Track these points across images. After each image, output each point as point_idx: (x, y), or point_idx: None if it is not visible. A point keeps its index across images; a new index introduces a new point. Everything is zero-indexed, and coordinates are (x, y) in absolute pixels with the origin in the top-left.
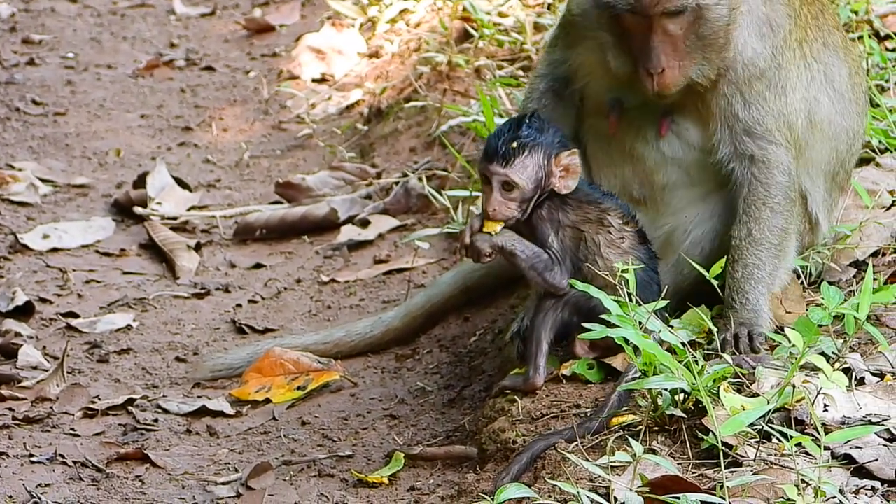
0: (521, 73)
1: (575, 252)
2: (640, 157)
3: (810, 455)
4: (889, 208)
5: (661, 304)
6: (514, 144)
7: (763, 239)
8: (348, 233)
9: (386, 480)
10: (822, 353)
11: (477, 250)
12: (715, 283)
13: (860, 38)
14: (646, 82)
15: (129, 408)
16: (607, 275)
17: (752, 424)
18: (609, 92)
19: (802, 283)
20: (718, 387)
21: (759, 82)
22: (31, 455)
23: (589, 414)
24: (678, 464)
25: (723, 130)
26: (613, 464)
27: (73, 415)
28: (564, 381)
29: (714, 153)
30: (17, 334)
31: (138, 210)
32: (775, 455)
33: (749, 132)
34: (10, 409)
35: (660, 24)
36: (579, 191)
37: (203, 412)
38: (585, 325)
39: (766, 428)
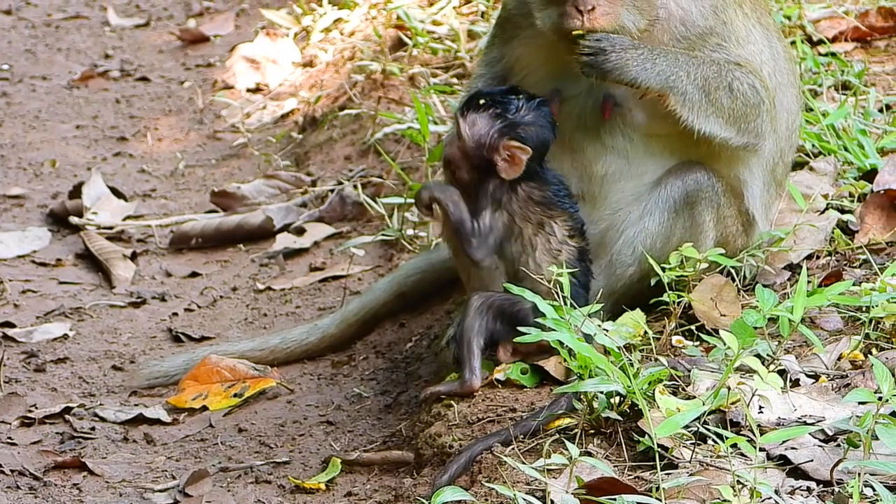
0: (455, 80)
1: (507, 239)
2: (580, 147)
3: (746, 456)
4: (823, 212)
5: (596, 307)
6: (482, 101)
7: None
8: (284, 241)
9: (323, 486)
10: (758, 356)
11: (419, 198)
12: (665, 277)
13: (793, 43)
14: (574, 21)
15: (66, 416)
16: (542, 278)
17: (687, 426)
18: (548, 82)
19: (737, 285)
20: (654, 389)
21: (711, 36)
22: None
23: (525, 417)
24: (614, 466)
25: None
26: (550, 466)
27: (10, 424)
28: (500, 386)
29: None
30: None
31: (74, 220)
32: (711, 456)
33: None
34: None
35: None
36: (538, 188)
37: (140, 420)
38: (519, 328)
39: (701, 430)
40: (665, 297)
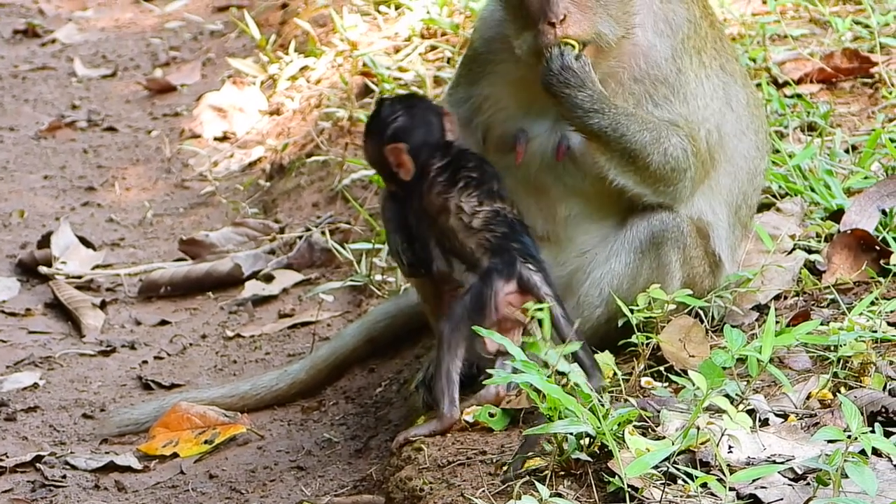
0: None
1: (438, 240)
2: (544, 187)
3: (716, 496)
4: (790, 252)
5: (576, 345)
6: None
7: None
8: (252, 288)
9: None
10: (727, 395)
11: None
12: (633, 319)
13: (759, 85)
14: (548, 36)
15: (38, 465)
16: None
17: (657, 466)
18: (515, 121)
19: (705, 326)
20: (624, 430)
21: (662, 86)
22: None
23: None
24: None
25: None
26: None
27: None
28: (469, 429)
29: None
30: None
31: (43, 270)
32: (681, 496)
33: None
34: None
35: None
36: (437, 177)
37: (111, 468)
38: (488, 370)
39: (671, 469)
40: (633, 339)
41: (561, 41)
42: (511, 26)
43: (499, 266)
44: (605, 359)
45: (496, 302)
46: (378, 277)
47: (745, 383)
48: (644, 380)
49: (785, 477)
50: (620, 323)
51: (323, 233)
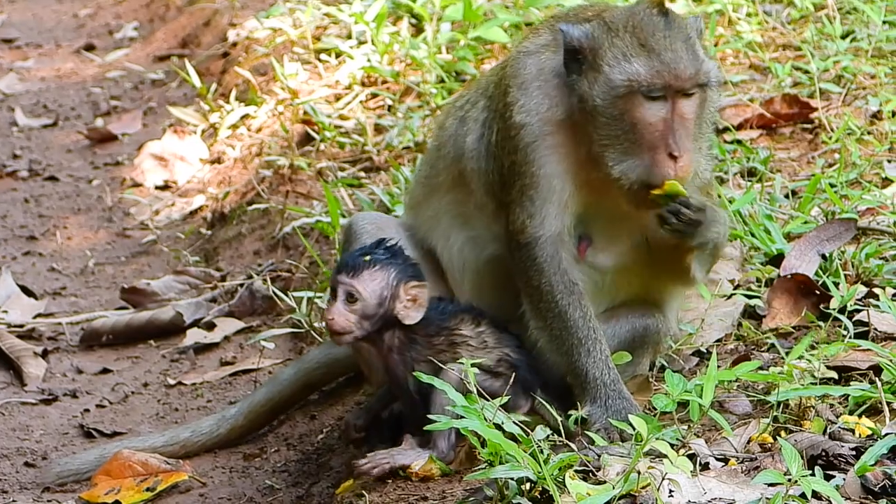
0: (362, 174)
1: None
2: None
3: None
4: (730, 297)
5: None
6: (367, 258)
7: None
8: (194, 336)
9: None
10: (667, 440)
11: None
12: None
13: None
14: (667, 169)
15: None
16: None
17: None
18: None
19: (647, 373)
20: (564, 475)
21: (709, 187)
22: None
23: None
24: None
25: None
26: None
27: None
28: (409, 477)
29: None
30: None
31: None
32: None
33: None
34: None
35: (679, 104)
36: (427, 324)
37: None
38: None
39: None
40: None
41: (667, 189)
42: (606, 146)
43: None
44: (549, 407)
45: None
46: (320, 324)
47: (685, 427)
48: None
49: None
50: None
51: (264, 280)
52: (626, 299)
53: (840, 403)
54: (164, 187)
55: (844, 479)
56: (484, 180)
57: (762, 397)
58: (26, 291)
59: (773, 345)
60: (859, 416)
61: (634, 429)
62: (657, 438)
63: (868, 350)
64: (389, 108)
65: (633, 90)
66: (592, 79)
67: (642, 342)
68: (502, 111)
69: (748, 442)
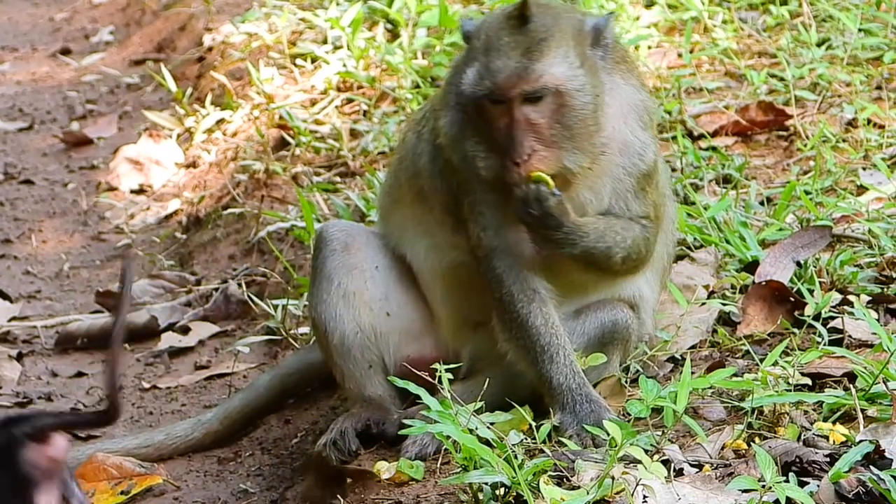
0: (338, 178)
1: None
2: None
3: None
4: (704, 304)
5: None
6: None
7: None
8: (169, 340)
9: None
10: (641, 446)
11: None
12: None
13: (674, 137)
14: (513, 175)
15: None
16: None
17: None
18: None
19: (620, 378)
20: (539, 480)
21: (645, 179)
22: None
23: None
24: None
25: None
26: None
27: None
28: (386, 480)
29: None
30: None
31: None
32: None
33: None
34: None
35: (521, 110)
36: None
37: None
38: (404, 421)
39: None
40: None
41: (533, 177)
42: (474, 144)
43: None
44: (521, 410)
45: None
46: (295, 331)
47: (660, 433)
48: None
49: None
50: None
51: (239, 285)
52: (597, 299)
53: (814, 410)
54: (140, 191)
55: (818, 486)
56: (440, 199)
57: (736, 404)
58: (1, 294)
59: (747, 351)
60: (833, 422)
61: (608, 434)
62: (631, 444)
63: (842, 357)
64: (365, 113)
65: (469, 94)
66: None
67: (612, 338)
68: (437, 134)
69: (722, 448)
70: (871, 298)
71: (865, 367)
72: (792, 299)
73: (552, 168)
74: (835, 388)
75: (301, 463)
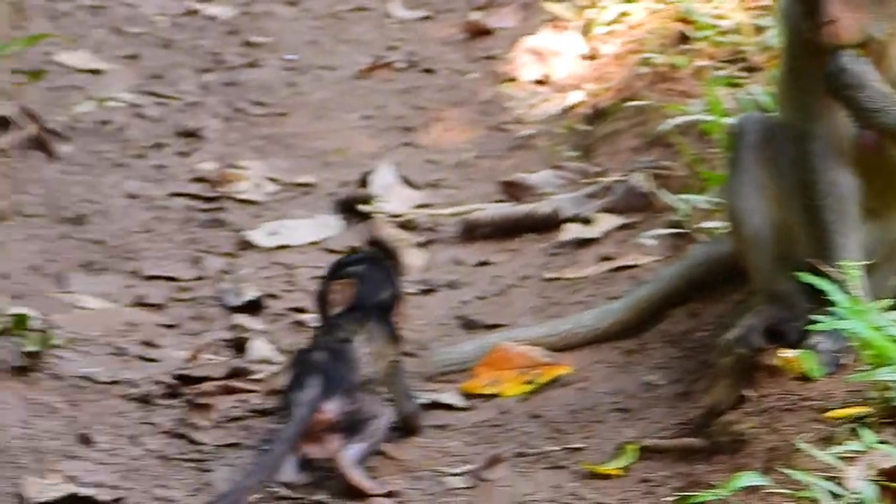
0: (740, 73)
1: None
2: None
3: None
4: None
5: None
6: None
7: None
8: (572, 230)
9: (618, 472)
10: None
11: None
12: None
13: None
14: (818, 35)
15: None
16: None
17: None
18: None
19: None
20: None
21: None
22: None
23: None
24: None
25: None
26: (844, 454)
27: None
28: (786, 376)
29: None
30: (247, 329)
31: (362, 208)
32: None
33: None
34: (243, 401)
35: None
36: None
37: (434, 406)
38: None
39: None
40: None
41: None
42: (798, 7)
43: None
44: None
45: None
46: (700, 225)
47: None
48: None
49: None
50: None
51: (643, 177)
52: None
53: None
54: (540, 82)
55: None
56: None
57: None
58: (406, 182)
59: None
60: None
61: None
62: None
63: None
64: (767, 7)
65: None
66: None
67: None
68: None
69: None
70: None
71: None
72: None
73: (857, 36)
74: None
75: (708, 357)
